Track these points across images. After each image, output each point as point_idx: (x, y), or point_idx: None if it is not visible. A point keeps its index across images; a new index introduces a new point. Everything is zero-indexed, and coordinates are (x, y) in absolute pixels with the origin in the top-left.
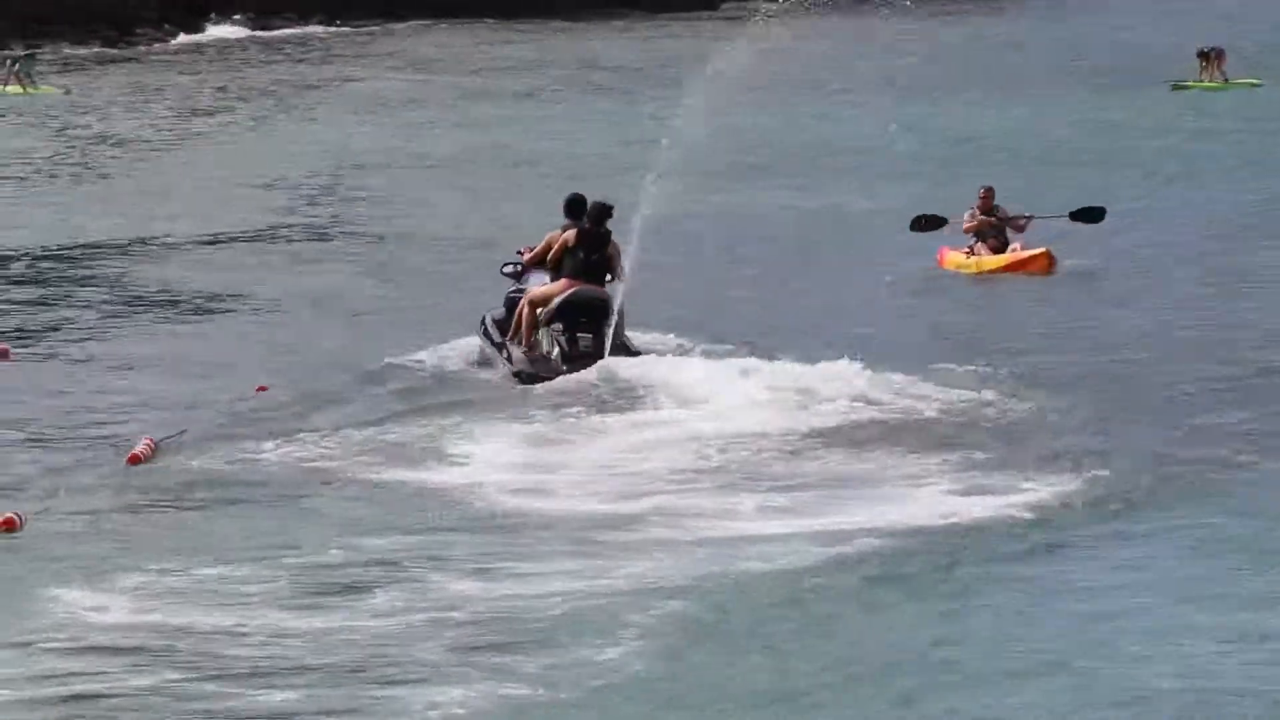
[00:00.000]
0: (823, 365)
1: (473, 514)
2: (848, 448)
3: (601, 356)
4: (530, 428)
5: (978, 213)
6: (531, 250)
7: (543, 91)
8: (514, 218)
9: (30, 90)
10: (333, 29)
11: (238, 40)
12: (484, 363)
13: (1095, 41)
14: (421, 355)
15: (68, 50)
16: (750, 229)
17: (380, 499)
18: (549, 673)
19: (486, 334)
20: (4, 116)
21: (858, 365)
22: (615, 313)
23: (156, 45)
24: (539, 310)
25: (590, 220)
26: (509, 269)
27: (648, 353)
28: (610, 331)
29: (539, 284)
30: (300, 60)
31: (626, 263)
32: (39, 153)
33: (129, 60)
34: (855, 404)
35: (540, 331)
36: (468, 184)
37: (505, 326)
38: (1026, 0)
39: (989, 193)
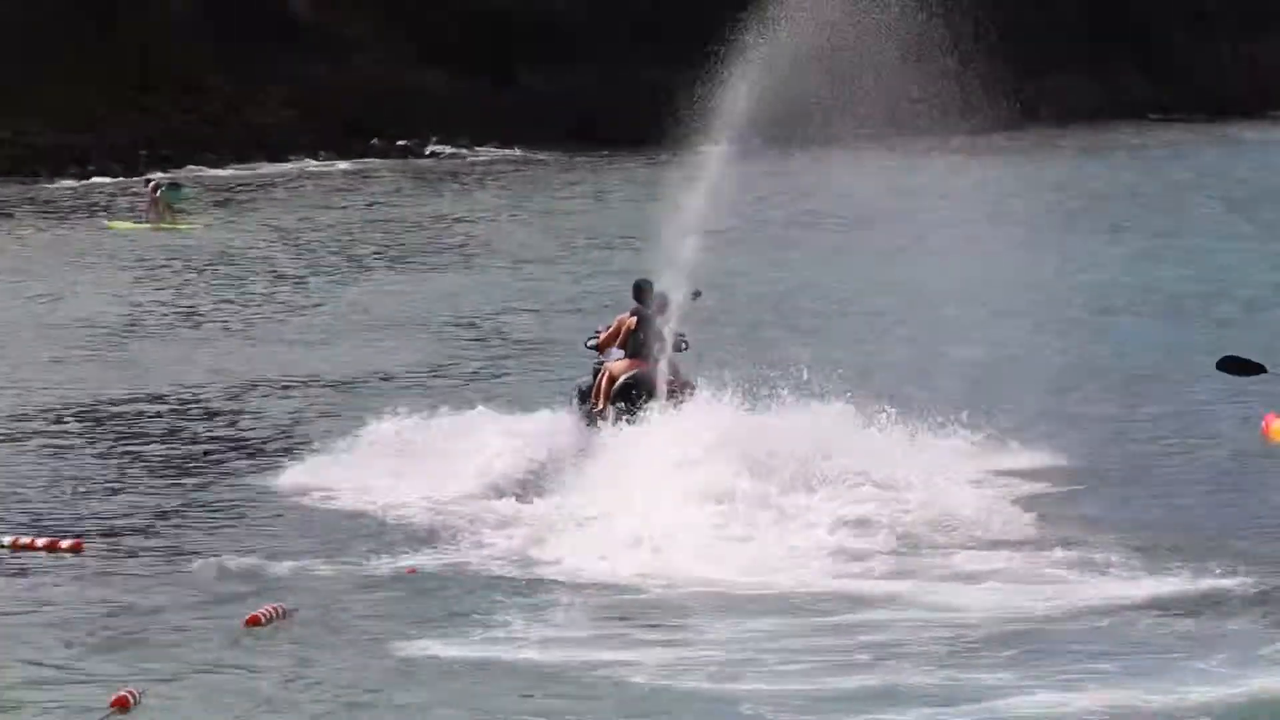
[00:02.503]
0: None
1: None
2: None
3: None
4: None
5: None
6: (606, 329)
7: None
8: None
9: (167, 225)
10: (488, 154)
11: (390, 168)
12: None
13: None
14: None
15: (213, 173)
16: (1033, 367)
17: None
18: None
19: (578, 401)
20: (139, 254)
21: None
22: (662, 391)
23: (308, 170)
24: (614, 384)
25: (639, 301)
26: (591, 342)
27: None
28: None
29: (617, 358)
30: (458, 190)
31: (669, 330)
32: (161, 297)
33: (273, 185)
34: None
35: (609, 406)
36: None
37: (589, 393)
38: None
39: None
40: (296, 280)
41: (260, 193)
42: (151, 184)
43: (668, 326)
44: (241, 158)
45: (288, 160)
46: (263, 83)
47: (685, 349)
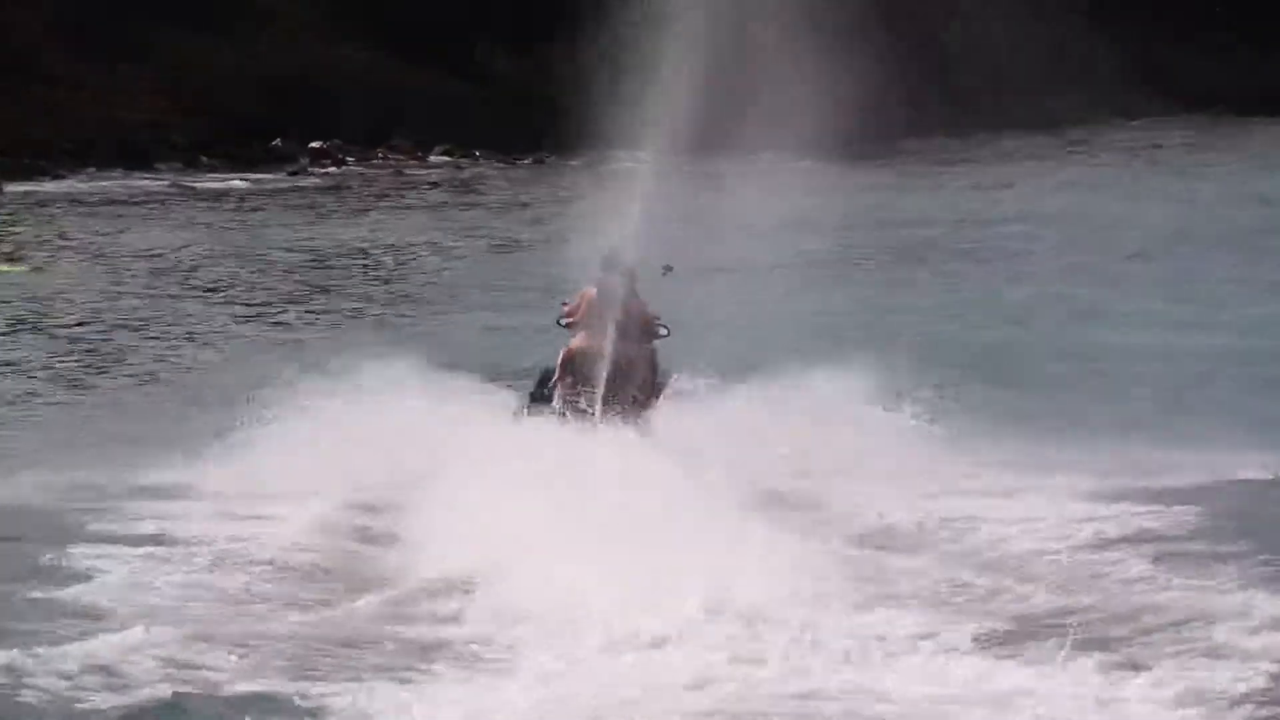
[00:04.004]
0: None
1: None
2: None
3: (595, 414)
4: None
5: None
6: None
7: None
8: None
9: None
10: (439, 164)
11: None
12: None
13: None
14: None
15: (51, 187)
16: None
17: None
18: None
19: (536, 383)
20: None
21: None
22: (609, 369)
23: (185, 184)
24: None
25: (603, 270)
26: (565, 321)
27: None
28: (600, 390)
29: (578, 335)
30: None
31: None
32: None
33: (137, 205)
34: None
35: (559, 383)
36: None
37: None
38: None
39: None
40: (125, 347)
41: (114, 216)
42: None
43: (621, 288)
44: (94, 166)
45: (157, 171)
46: (127, 65)
47: (666, 335)
